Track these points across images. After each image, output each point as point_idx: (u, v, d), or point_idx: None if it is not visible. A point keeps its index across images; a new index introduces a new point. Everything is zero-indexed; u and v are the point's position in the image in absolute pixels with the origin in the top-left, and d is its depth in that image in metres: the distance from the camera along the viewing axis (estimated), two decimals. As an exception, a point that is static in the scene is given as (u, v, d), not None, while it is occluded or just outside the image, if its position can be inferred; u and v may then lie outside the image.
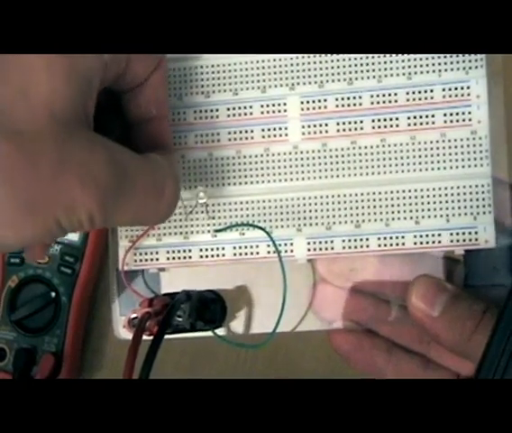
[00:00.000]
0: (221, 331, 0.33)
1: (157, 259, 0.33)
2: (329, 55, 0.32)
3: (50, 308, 0.42)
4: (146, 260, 0.33)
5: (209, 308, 0.30)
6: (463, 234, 0.30)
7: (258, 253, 0.32)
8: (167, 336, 0.31)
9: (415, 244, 0.31)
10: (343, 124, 0.31)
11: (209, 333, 0.32)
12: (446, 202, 0.30)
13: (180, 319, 0.28)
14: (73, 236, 0.37)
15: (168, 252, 0.33)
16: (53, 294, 0.42)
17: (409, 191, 0.31)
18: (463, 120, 0.30)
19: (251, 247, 0.32)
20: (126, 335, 0.33)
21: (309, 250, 0.32)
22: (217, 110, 0.33)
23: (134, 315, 0.28)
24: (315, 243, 0.32)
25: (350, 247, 0.31)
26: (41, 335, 0.42)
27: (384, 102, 0.31)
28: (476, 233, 0.30)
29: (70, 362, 0.42)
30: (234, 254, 0.32)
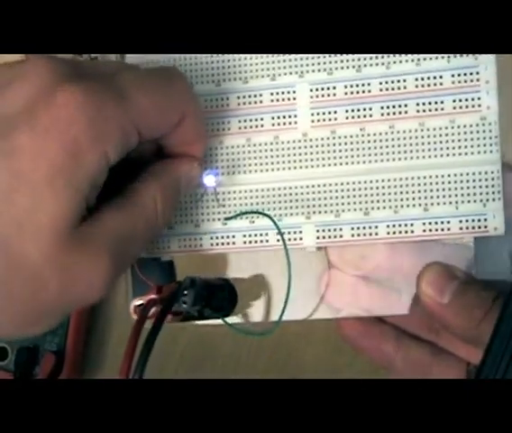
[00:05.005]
0: (231, 319, 0.33)
1: (168, 247, 0.34)
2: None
3: (51, 308, 0.42)
4: (158, 248, 0.34)
5: (216, 295, 0.30)
6: (473, 221, 0.30)
7: (267, 241, 0.32)
8: (175, 324, 0.31)
9: (424, 231, 0.30)
10: (352, 111, 0.31)
11: (217, 321, 0.32)
12: (455, 189, 0.30)
13: (185, 306, 0.28)
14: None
15: (179, 240, 0.33)
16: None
17: (418, 178, 0.30)
18: (473, 106, 0.30)
19: (261, 235, 0.32)
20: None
21: (318, 238, 0.32)
22: (227, 98, 0.33)
23: (140, 302, 0.28)
24: (324, 230, 0.32)
25: (359, 235, 0.31)
26: (42, 334, 0.43)
27: (393, 89, 0.31)
28: (485, 220, 0.30)
29: (72, 361, 0.42)
30: (244, 243, 0.33)
